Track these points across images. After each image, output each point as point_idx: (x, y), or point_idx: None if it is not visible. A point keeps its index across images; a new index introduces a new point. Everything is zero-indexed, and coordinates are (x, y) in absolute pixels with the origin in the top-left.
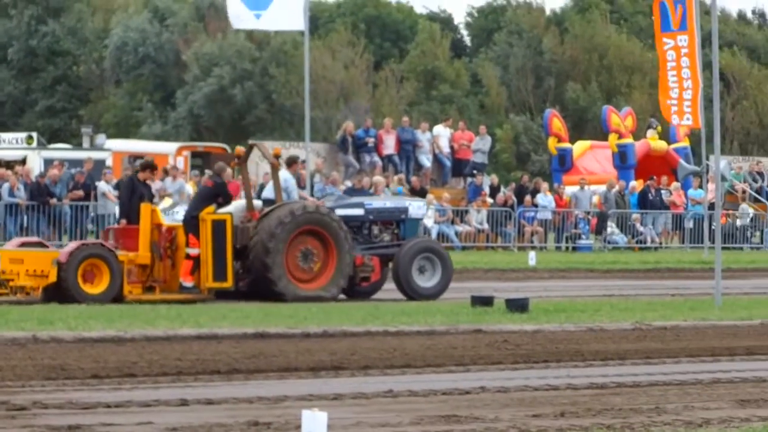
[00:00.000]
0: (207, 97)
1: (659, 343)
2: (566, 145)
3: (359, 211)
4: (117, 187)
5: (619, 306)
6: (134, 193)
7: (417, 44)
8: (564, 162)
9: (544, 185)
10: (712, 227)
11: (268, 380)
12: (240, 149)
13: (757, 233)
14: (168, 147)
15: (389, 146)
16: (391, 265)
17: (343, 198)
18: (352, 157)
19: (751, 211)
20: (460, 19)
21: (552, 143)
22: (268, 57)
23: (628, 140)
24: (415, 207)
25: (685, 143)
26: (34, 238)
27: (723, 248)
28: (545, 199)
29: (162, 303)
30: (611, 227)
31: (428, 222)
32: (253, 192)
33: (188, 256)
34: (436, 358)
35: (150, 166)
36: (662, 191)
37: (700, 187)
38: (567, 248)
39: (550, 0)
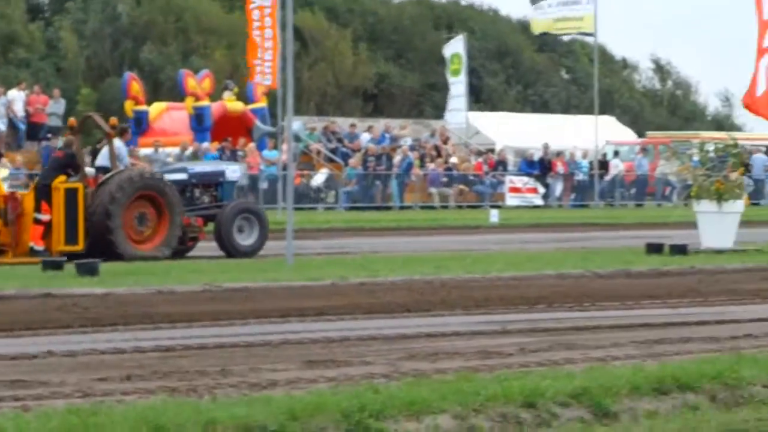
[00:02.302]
0: None
1: (229, 304)
2: (143, 107)
3: (183, 176)
4: None
5: (190, 267)
6: None
7: None
8: (140, 124)
9: None
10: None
11: None
12: (72, 120)
13: (332, 193)
14: None
15: None
16: (213, 225)
17: (168, 164)
18: None
19: (326, 171)
20: None
21: (129, 106)
22: None
23: (205, 102)
24: (231, 170)
25: (262, 104)
26: None
27: (297, 209)
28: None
29: (17, 265)
30: None
31: None
32: None
33: (38, 221)
34: (6, 323)
35: None
36: (238, 152)
37: (275, 147)
38: None
39: None
